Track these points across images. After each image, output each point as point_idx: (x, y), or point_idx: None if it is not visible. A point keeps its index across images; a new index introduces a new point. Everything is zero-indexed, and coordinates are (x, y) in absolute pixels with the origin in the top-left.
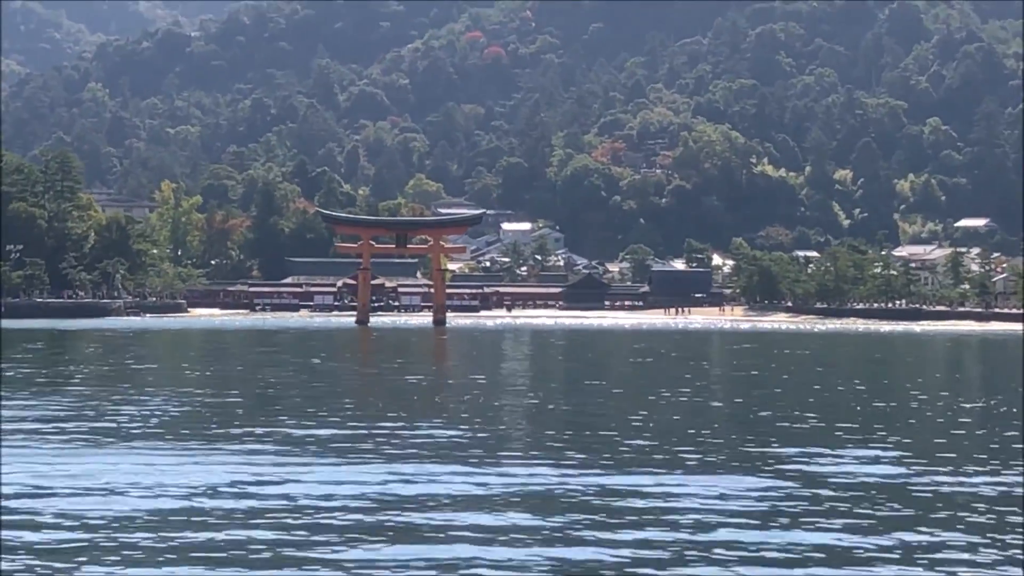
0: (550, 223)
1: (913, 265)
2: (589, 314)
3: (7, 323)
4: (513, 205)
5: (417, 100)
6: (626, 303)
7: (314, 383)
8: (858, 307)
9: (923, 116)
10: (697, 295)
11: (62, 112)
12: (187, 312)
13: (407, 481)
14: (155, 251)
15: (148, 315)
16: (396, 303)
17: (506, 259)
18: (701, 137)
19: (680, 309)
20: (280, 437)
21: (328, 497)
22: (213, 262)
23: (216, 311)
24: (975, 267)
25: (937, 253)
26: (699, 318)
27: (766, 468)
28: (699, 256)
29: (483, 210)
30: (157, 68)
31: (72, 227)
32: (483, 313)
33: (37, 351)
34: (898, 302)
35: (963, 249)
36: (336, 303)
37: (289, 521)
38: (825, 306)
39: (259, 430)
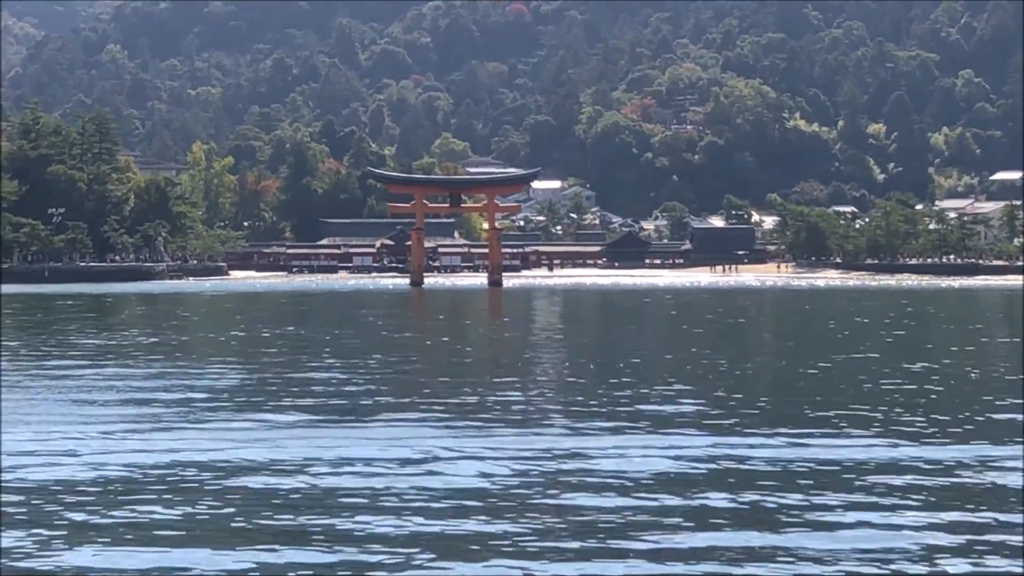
0: (580, 181)
1: (965, 219)
2: (635, 272)
3: (56, 288)
4: (541, 163)
5: (439, 59)
6: (667, 261)
7: (460, 346)
8: (911, 262)
9: (955, 69)
10: (739, 252)
11: (81, 74)
12: (228, 275)
13: (716, 450)
14: (194, 213)
15: (190, 278)
16: (435, 263)
17: (541, 218)
18: (732, 92)
19: (727, 266)
20: (522, 404)
21: (674, 465)
22: (246, 224)
23: (252, 274)
24: None
25: (989, 206)
26: (750, 275)
27: None
28: (739, 213)
29: (538, 168)
30: (175, 29)
31: (112, 190)
32: (524, 273)
33: (138, 317)
34: (950, 257)
35: (1017, 202)
36: (375, 264)
37: (662, 496)
38: (876, 262)
39: (492, 398)
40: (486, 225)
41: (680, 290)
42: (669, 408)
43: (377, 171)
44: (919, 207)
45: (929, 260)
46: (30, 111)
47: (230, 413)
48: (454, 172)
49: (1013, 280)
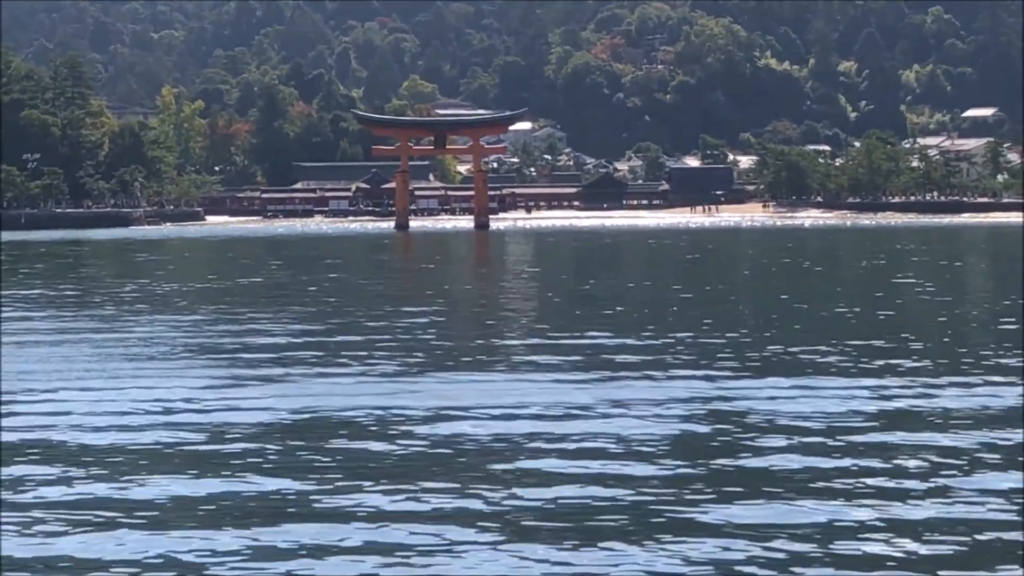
0: (551, 122)
1: (949, 156)
2: (616, 214)
3: (40, 235)
4: (512, 105)
5: None
6: (644, 202)
7: (509, 292)
8: (894, 200)
9: (924, 5)
10: (718, 192)
11: (43, 19)
12: (204, 220)
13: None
14: (169, 158)
15: (168, 224)
16: (413, 206)
17: (514, 160)
18: (703, 31)
19: (707, 207)
20: (621, 352)
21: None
22: (217, 168)
23: (229, 219)
24: (1013, 156)
25: (971, 143)
26: (736, 215)
27: None
28: (714, 152)
29: (524, 108)
30: None
31: (86, 135)
32: (503, 215)
33: (152, 263)
34: (933, 194)
35: (1000, 139)
36: (352, 208)
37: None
38: (859, 200)
39: (590, 343)
40: (461, 168)
41: (686, 231)
42: (789, 350)
43: (362, 113)
44: (915, 144)
45: (912, 198)
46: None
47: (324, 361)
48: (427, 114)
49: (1004, 217)
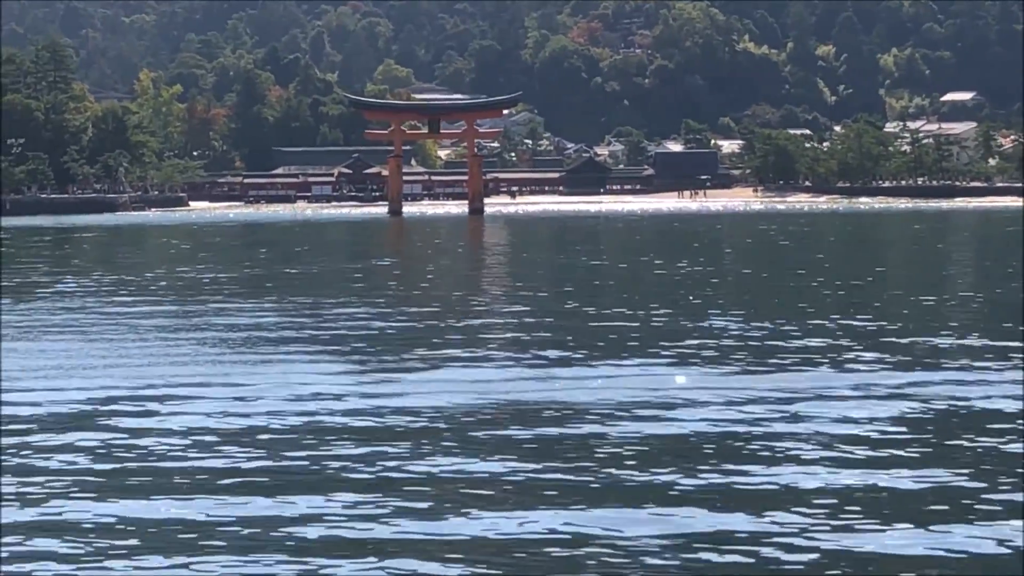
0: (529, 107)
1: (940, 139)
2: (603, 198)
3: (31, 221)
4: (488, 90)
5: None
6: (627, 187)
7: (631, 276)
8: (884, 185)
9: None
10: (703, 177)
11: (12, 4)
12: (188, 206)
13: None
14: (153, 143)
15: (153, 209)
16: None
17: (495, 144)
18: (681, 15)
19: (694, 192)
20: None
21: None
22: (195, 153)
23: (212, 204)
24: (1003, 140)
25: (960, 127)
26: (725, 200)
27: None
28: (697, 137)
29: (518, 92)
30: None
31: (70, 119)
32: (486, 200)
33: (175, 250)
34: (924, 179)
35: (977, 122)
36: (335, 193)
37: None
38: (848, 185)
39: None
40: (441, 153)
41: (699, 216)
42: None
43: (355, 97)
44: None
45: (903, 182)
46: None
47: (443, 351)
48: (407, 99)
49: (1000, 201)
